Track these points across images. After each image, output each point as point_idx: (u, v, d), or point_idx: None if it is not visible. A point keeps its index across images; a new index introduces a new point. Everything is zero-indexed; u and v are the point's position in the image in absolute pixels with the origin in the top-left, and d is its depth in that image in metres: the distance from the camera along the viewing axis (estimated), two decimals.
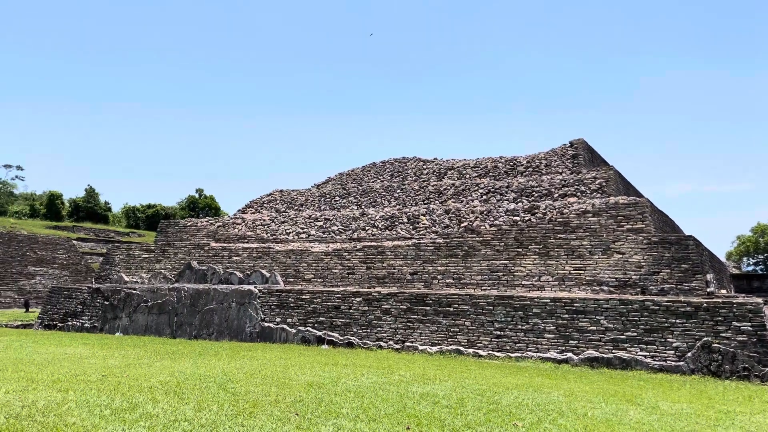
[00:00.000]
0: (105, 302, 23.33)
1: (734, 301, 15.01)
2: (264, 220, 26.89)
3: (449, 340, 17.54)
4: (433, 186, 26.69)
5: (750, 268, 57.87)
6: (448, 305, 17.90)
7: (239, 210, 30.13)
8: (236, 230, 26.59)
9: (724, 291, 19.65)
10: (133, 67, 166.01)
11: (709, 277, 17.07)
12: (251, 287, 21.06)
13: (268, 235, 25.73)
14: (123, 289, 23.19)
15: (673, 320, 15.10)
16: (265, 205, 29.63)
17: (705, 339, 14.63)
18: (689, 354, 14.68)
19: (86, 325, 23.39)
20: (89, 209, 71.09)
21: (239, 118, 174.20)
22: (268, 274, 22.07)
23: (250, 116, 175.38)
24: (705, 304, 14.97)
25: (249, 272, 22.56)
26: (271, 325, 20.06)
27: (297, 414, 8.14)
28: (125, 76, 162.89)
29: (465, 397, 9.89)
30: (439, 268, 20.39)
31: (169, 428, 7.17)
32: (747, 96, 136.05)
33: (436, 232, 22.55)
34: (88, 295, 23.91)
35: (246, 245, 24.77)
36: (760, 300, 15.19)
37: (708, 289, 16.48)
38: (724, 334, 14.56)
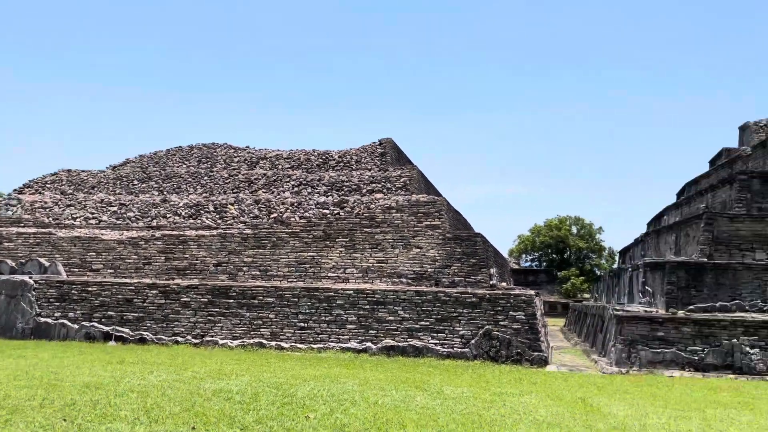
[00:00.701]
0: None
1: (511, 292, 16.79)
2: (46, 203, 23.82)
3: (252, 333, 17.13)
4: (243, 175, 25.89)
5: (527, 264, 65.59)
6: (253, 297, 17.47)
7: (15, 190, 26.29)
8: (10, 213, 23.19)
9: (504, 284, 21.87)
10: None
11: (493, 271, 18.89)
12: (25, 278, 18.49)
13: (50, 219, 22.86)
14: None
15: (461, 310, 16.42)
16: (48, 185, 26.24)
17: (487, 327, 16.13)
18: (473, 341, 16.07)
19: None
20: None
21: (21, 84, 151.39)
22: (47, 264, 19.56)
23: (35, 83, 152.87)
24: (487, 296, 16.52)
25: (24, 261, 19.80)
26: (49, 320, 17.83)
27: (65, 419, 7.24)
28: None
29: (260, 391, 9.66)
30: (245, 259, 19.82)
31: None
32: (565, 103, 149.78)
33: (245, 222, 21.91)
34: None
35: (21, 230, 21.73)
36: (532, 292, 17.20)
37: (491, 282, 18.22)
38: (502, 323, 16.19)
